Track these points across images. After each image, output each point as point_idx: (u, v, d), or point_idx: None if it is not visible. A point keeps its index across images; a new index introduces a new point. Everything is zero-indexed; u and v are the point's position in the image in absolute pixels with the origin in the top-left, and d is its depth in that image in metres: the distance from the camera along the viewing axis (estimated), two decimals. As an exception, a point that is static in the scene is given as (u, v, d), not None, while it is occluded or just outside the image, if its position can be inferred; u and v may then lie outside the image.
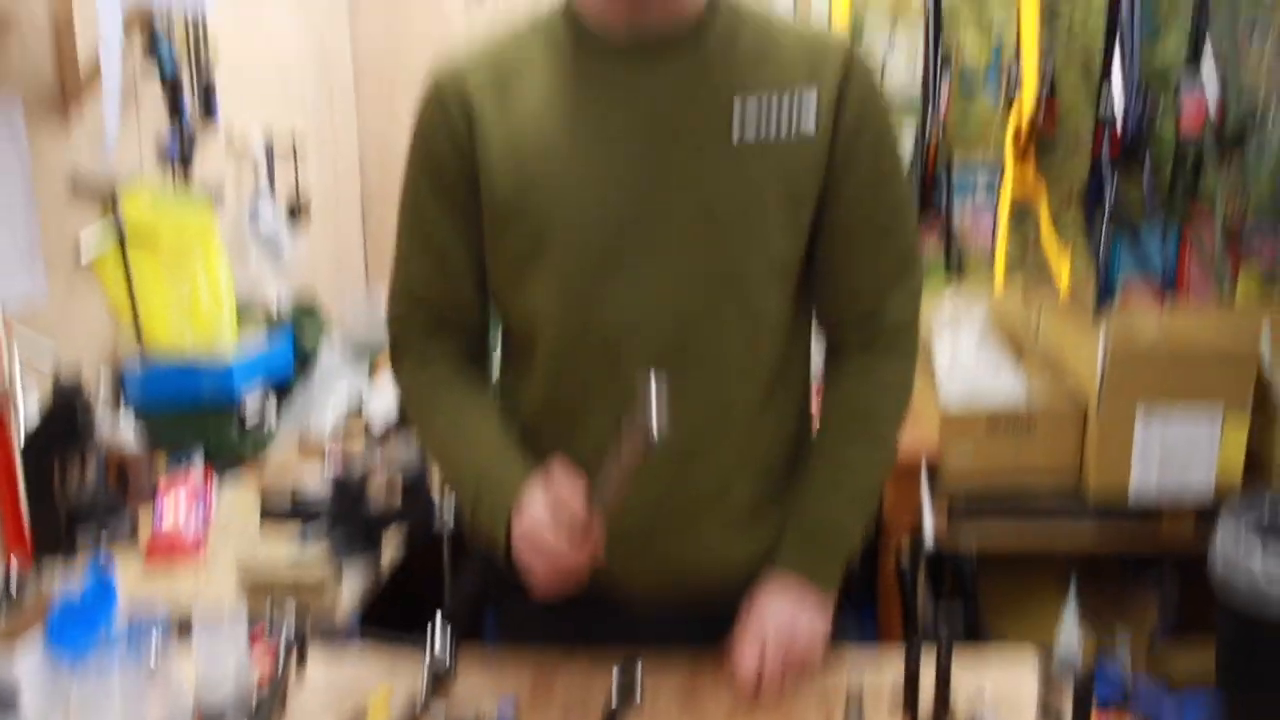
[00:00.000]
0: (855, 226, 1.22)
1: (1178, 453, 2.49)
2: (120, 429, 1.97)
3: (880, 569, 2.60)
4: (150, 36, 2.29)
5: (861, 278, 1.24)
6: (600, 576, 1.20)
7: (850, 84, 1.18)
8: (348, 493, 1.65)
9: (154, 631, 1.31)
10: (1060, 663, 1.06)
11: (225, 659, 1.14)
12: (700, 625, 1.25)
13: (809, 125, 1.16)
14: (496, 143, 1.18)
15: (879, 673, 1.24)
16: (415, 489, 1.55)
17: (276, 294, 2.68)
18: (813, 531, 1.24)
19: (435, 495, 1.57)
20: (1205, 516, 2.44)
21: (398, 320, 1.31)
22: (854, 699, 1.06)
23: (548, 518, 1.11)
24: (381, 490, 1.73)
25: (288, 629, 1.22)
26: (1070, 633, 1.06)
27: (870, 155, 1.20)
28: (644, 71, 1.16)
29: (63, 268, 2.08)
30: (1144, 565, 2.83)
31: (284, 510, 1.64)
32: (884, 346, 1.26)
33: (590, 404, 1.20)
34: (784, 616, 1.20)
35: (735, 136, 1.15)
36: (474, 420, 1.26)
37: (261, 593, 1.49)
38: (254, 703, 1.13)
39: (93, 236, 2.16)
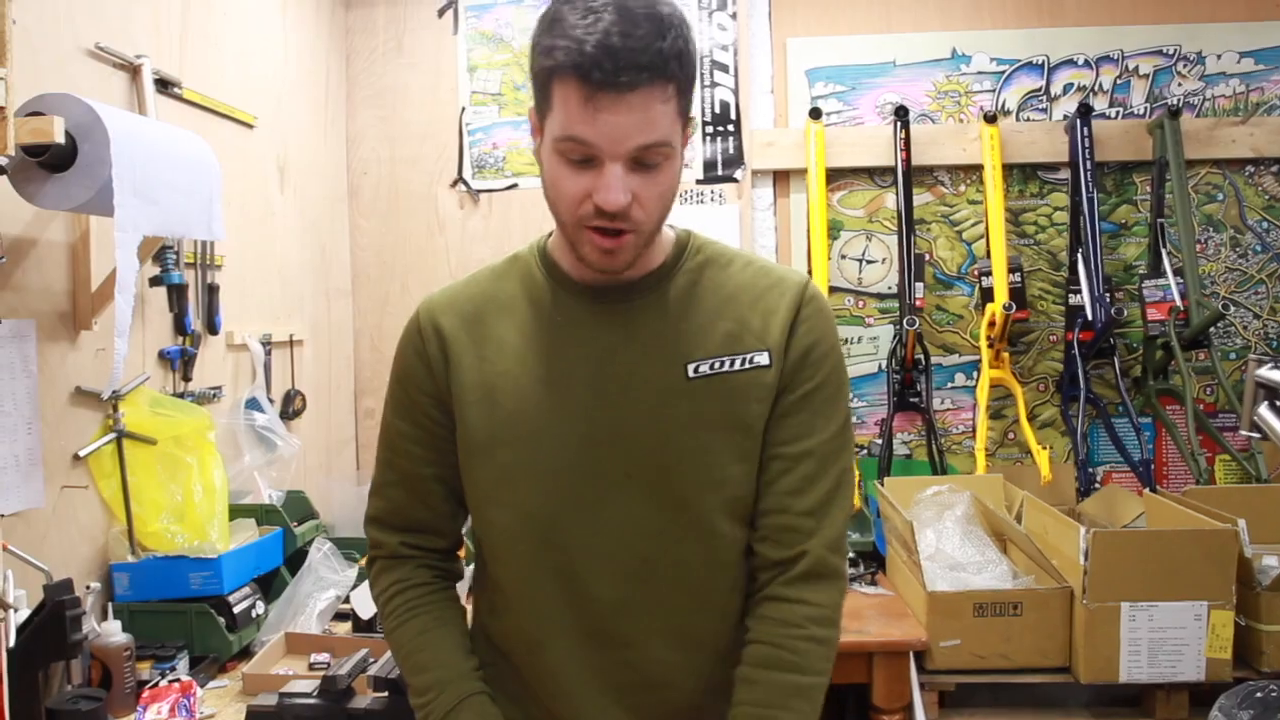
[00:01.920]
0: (782, 452, 1.25)
1: (1166, 641, 2.51)
2: (106, 628, 1.97)
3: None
4: (159, 250, 2.41)
5: (778, 517, 1.25)
6: None
7: (800, 323, 1.26)
8: (334, 690, 1.64)
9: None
10: None
11: None
12: None
13: (763, 360, 1.25)
14: (470, 383, 1.28)
15: None
16: (401, 692, 1.55)
17: (268, 491, 2.72)
18: None
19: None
20: (1198, 701, 2.44)
21: (376, 542, 1.39)
22: None
23: None
24: (369, 696, 1.73)
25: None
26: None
27: (807, 384, 1.26)
28: (609, 313, 1.26)
29: (59, 471, 2.12)
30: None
31: (269, 709, 1.63)
32: (800, 585, 1.25)
33: (554, 628, 1.25)
34: None
35: (691, 372, 1.23)
36: (437, 638, 1.31)
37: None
38: None
39: (91, 440, 2.22)
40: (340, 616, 2.48)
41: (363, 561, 2.61)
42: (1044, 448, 3.24)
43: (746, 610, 1.27)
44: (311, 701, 1.64)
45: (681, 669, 1.25)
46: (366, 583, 2.43)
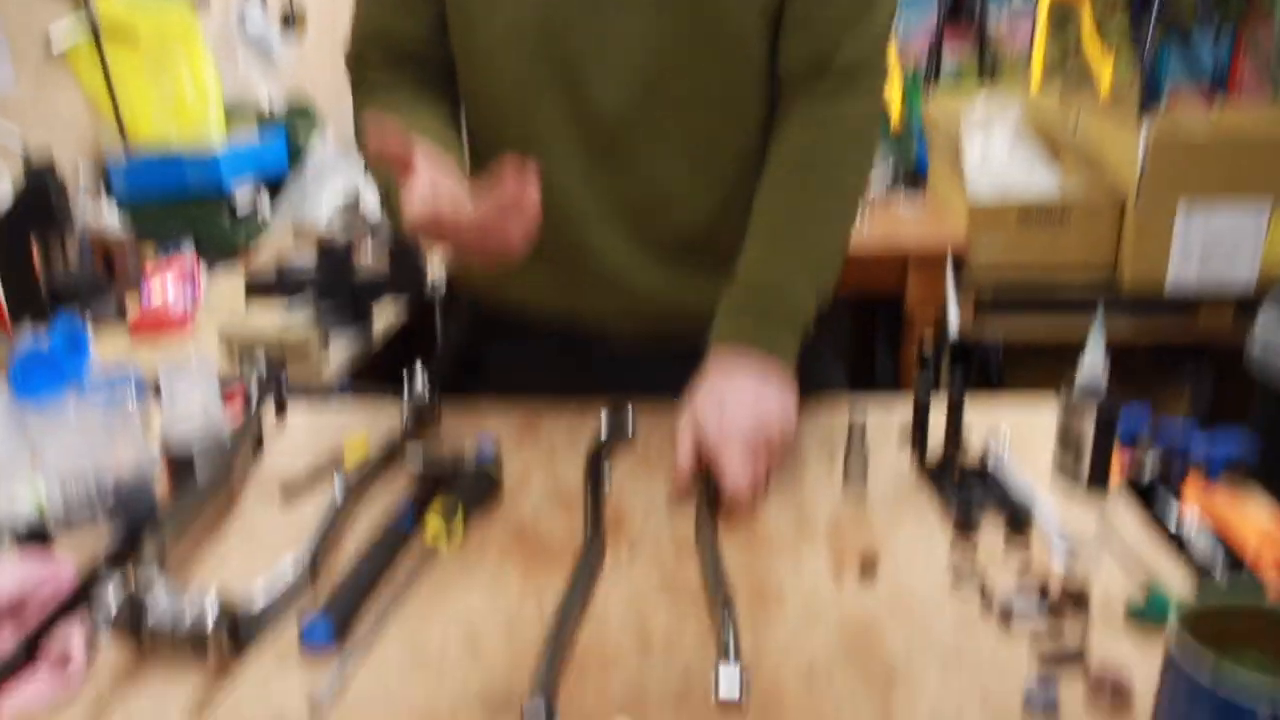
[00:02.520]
0: None
1: (1220, 245, 2.37)
2: (104, 217, 1.89)
3: (902, 361, 2.53)
4: None
5: (813, 10, 1.08)
6: (583, 318, 1.17)
7: None
8: (333, 259, 1.56)
9: (128, 384, 1.25)
10: (1082, 389, 0.97)
11: (191, 398, 1.07)
12: (690, 373, 1.18)
13: None
14: None
15: (887, 413, 1.16)
16: (404, 256, 1.46)
17: (268, 95, 2.56)
18: (755, 297, 1.07)
19: (425, 261, 1.48)
20: (1245, 309, 2.34)
21: (356, 57, 1.20)
22: (857, 432, 0.98)
23: (427, 196, 0.91)
24: (369, 259, 1.64)
25: (264, 374, 1.15)
26: (1095, 357, 0.96)
27: None
28: None
29: (32, 59, 1.96)
30: (1176, 361, 2.74)
31: (268, 282, 1.56)
32: (834, 89, 1.09)
33: (554, 147, 1.10)
34: (745, 400, 1.02)
35: None
36: (415, 114, 1.11)
37: (244, 356, 1.42)
38: (224, 442, 1.07)
39: (64, 29, 2.04)
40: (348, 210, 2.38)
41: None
42: (1108, 60, 2.97)
43: (771, 125, 1.13)
44: (310, 272, 1.56)
45: (694, 188, 1.12)
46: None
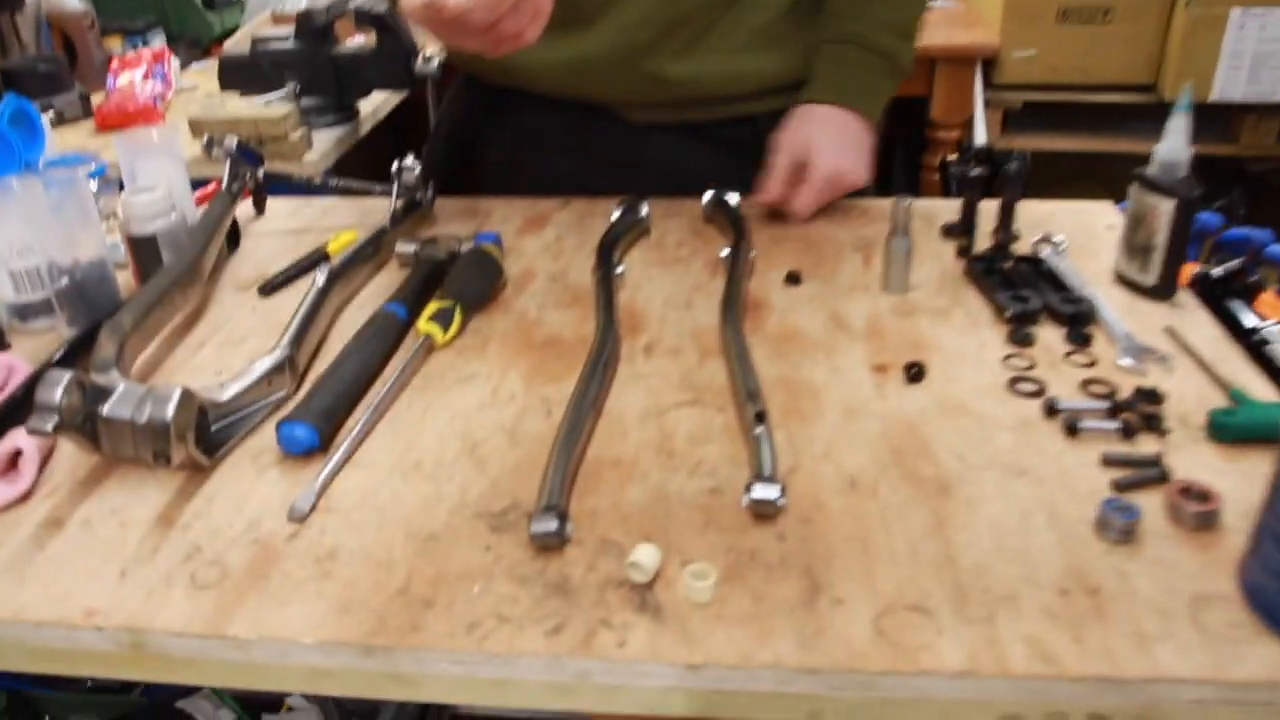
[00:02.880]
0: None
1: (1274, 55, 2.20)
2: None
3: (921, 172, 2.39)
4: None
5: None
6: (594, 96, 1.05)
7: None
8: (312, 30, 1.40)
9: (87, 164, 1.13)
10: (1160, 177, 0.85)
11: (155, 176, 0.96)
12: (711, 151, 1.06)
13: None
14: None
15: (923, 220, 1.05)
16: (390, 30, 1.31)
17: None
18: (849, 49, 1.04)
19: (413, 38, 1.33)
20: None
21: None
22: (902, 216, 0.86)
23: None
24: (355, 40, 1.49)
25: (238, 156, 1.02)
26: (1177, 141, 0.84)
27: None
28: None
29: None
30: (1213, 179, 2.61)
31: (243, 62, 1.41)
32: None
33: None
34: (827, 144, 1.01)
35: None
36: None
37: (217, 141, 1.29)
38: (193, 227, 0.96)
39: None
40: None
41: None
42: None
43: None
44: (288, 46, 1.41)
45: None
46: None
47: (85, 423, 0.65)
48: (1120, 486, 0.65)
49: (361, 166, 1.54)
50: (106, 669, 0.56)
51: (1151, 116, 2.32)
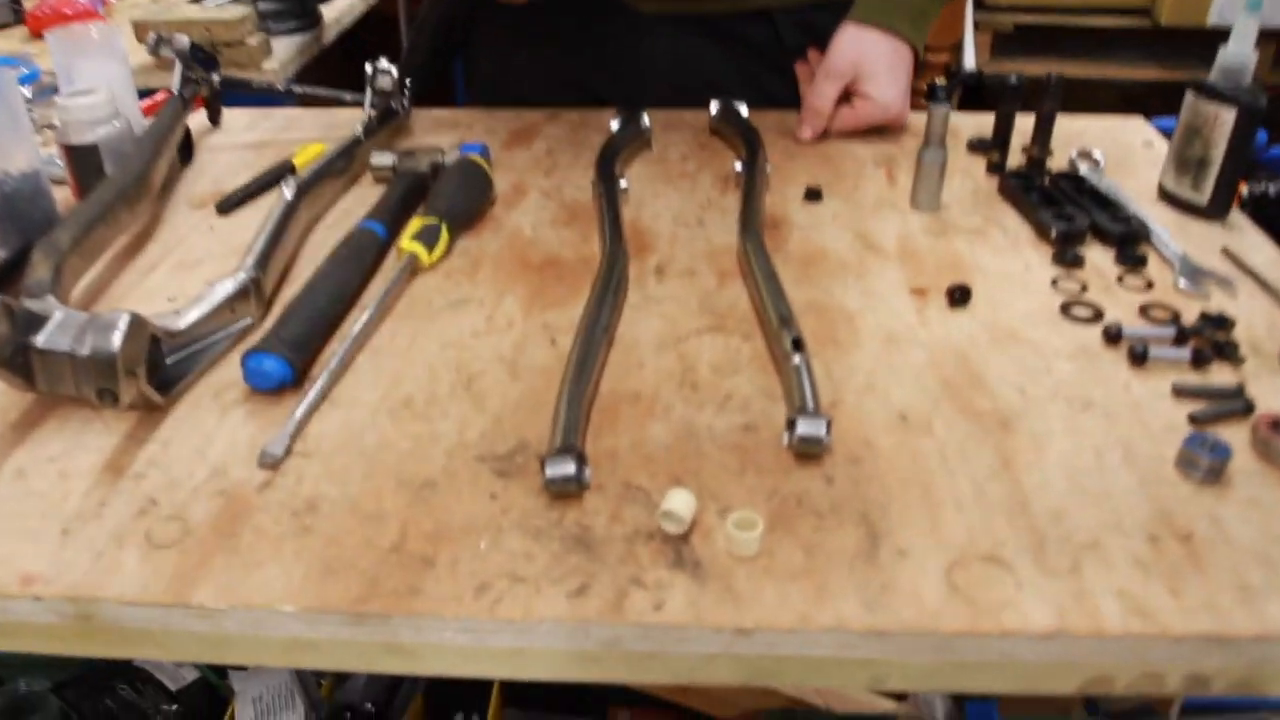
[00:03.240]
0: None
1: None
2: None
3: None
4: None
5: None
6: None
7: None
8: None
9: (16, 68, 1.02)
10: (1220, 84, 0.78)
11: (94, 77, 0.85)
12: (724, 51, 0.96)
13: None
14: None
15: (952, 125, 0.96)
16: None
17: None
18: None
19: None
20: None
21: None
22: (937, 124, 0.78)
23: None
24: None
25: (189, 58, 0.91)
26: (1242, 45, 0.76)
27: None
28: None
29: None
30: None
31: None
32: None
33: None
34: (880, 73, 0.94)
35: None
36: None
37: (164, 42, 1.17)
38: (139, 136, 0.85)
39: None
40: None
41: None
42: None
43: None
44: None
45: None
46: None
47: (16, 356, 0.55)
48: (1199, 420, 0.58)
49: (326, 82, 1.43)
50: (49, 644, 0.48)
51: (1144, 41, 2.26)
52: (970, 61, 2.20)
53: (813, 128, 0.94)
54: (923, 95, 2.37)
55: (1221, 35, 2.28)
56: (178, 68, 0.88)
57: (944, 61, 2.28)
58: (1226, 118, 0.77)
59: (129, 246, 0.78)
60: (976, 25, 2.22)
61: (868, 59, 0.92)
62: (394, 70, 0.90)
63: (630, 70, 0.97)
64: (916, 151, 0.81)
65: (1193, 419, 0.58)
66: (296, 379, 0.60)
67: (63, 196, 0.84)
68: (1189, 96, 0.80)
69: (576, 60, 0.98)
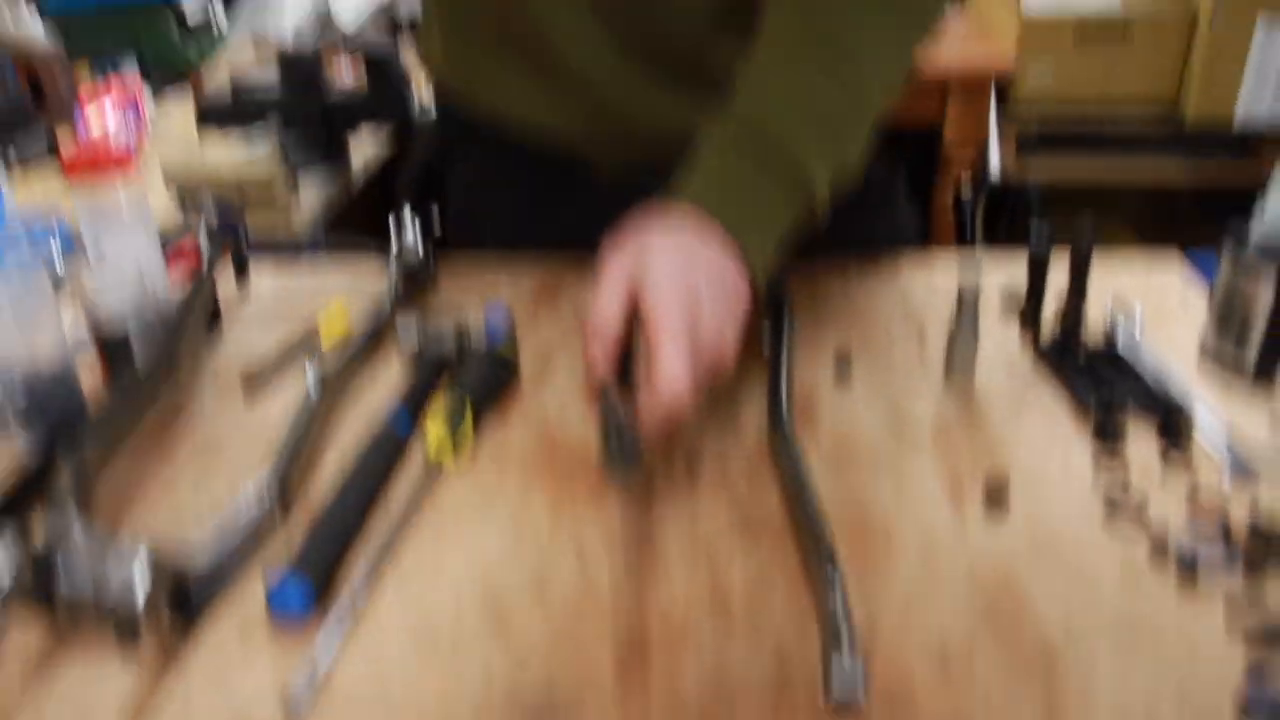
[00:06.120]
0: None
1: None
2: (28, 27, 1.60)
3: (934, 204, 2.30)
4: None
5: None
6: (564, 138, 0.92)
7: None
8: (300, 75, 1.30)
9: (50, 240, 1.03)
10: (1260, 247, 0.76)
11: (124, 257, 0.85)
12: None
13: None
14: None
15: (983, 276, 0.95)
16: (383, 69, 1.21)
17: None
18: (742, 132, 0.73)
19: (411, 80, 1.23)
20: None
21: None
22: (969, 304, 0.76)
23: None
24: (344, 77, 1.38)
25: (218, 223, 0.92)
26: None
27: None
28: None
29: None
30: (1232, 210, 2.53)
31: (224, 106, 1.30)
32: None
33: None
34: (696, 276, 0.66)
35: None
36: None
37: (193, 202, 1.19)
38: (168, 317, 0.85)
39: None
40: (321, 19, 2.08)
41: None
42: None
43: None
44: (272, 91, 1.30)
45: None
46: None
47: (38, 590, 0.55)
48: (1256, 666, 0.55)
49: (353, 211, 1.44)
50: None
51: (1171, 143, 2.25)
52: (995, 162, 2.20)
53: (593, 372, 0.67)
54: (950, 208, 2.36)
55: (1248, 138, 2.26)
56: (205, 237, 0.89)
57: (970, 160, 2.28)
58: (1268, 282, 0.76)
59: (155, 428, 0.77)
60: (1001, 128, 2.22)
61: (656, 256, 0.66)
62: (416, 224, 0.91)
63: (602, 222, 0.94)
64: (948, 319, 0.79)
65: (1251, 664, 0.55)
66: (319, 605, 0.59)
67: (88, 365, 0.84)
68: (1227, 256, 0.79)
69: (546, 209, 0.97)
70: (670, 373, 0.61)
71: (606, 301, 0.65)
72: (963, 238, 2.20)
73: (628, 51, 0.88)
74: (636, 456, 0.62)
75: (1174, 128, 2.17)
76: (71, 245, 1.00)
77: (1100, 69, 2.16)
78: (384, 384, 0.82)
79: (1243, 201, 2.42)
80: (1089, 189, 2.26)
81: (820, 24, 0.74)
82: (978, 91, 2.17)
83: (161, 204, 1.29)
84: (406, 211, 0.92)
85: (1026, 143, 2.24)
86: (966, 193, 2.13)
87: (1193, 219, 2.63)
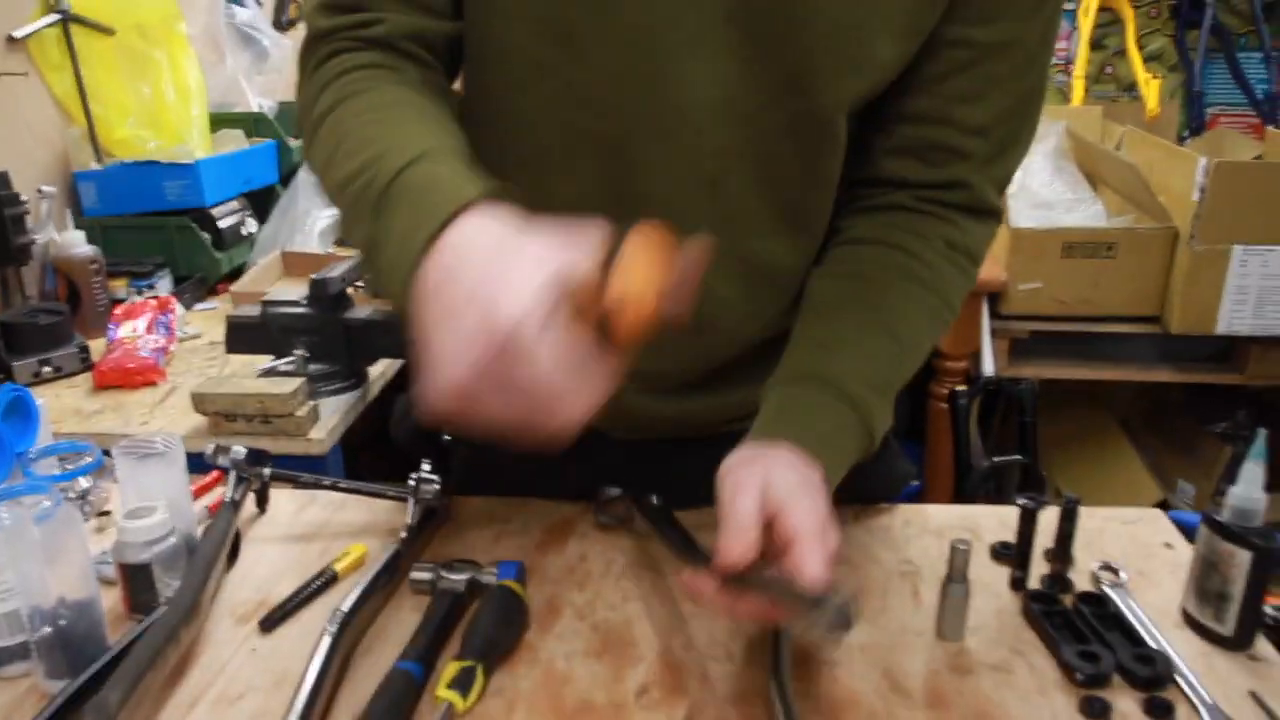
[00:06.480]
0: (967, 36, 0.80)
1: (1277, 289, 2.22)
2: (69, 239, 1.70)
3: (930, 403, 2.37)
4: None
5: (949, 112, 0.83)
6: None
7: None
8: (325, 294, 1.37)
9: (82, 472, 1.08)
10: (1236, 514, 0.81)
11: (153, 493, 0.90)
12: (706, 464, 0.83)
13: None
14: None
15: (972, 521, 0.99)
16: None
17: (257, 100, 2.37)
18: (811, 390, 0.81)
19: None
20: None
21: (319, 33, 0.81)
22: (959, 567, 0.80)
23: (535, 281, 0.57)
24: (365, 300, 1.46)
25: (244, 464, 0.97)
26: (1252, 483, 0.80)
27: None
28: None
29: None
30: (1215, 411, 2.60)
31: (253, 322, 1.38)
32: (961, 206, 0.86)
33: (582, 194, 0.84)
34: (796, 488, 0.73)
35: None
36: (408, 106, 0.75)
37: (222, 423, 1.24)
38: (194, 553, 0.89)
39: (26, 13, 1.84)
40: (345, 242, 2.19)
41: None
42: (1152, 76, 2.81)
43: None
44: (300, 310, 1.38)
45: (741, 308, 0.90)
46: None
47: None
48: None
49: (368, 424, 1.49)
50: None
51: (1158, 344, 2.33)
52: (989, 367, 2.27)
53: (728, 555, 0.70)
54: (945, 402, 2.41)
55: (1228, 340, 2.33)
56: (232, 478, 0.93)
57: (963, 368, 2.37)
58: (1242, 559, 0.80)
59: (172, 672, 0.80)
60: (994, 332, 2.31)
61: (777, 474, 0.73)
62: (437, 481, 0.95)
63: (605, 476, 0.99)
64: (941, 579, 0.83)
65: None
66: None
67: (111, 598, 0.87)
68: (1203, 529, 0.83)
69: (566, 467, 0.90)
70: (819, 573, 0.68)
71: (745, 508, 0.71)
72: (957, 433, 2.26)
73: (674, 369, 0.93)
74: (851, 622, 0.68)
75: (1156, 337, 2.27)
76: (100, 464, 1.04)
77: (1087, 282, 2.26)
78: (399, 624, 0.85)
79: (1228, 397, 2.50)
80: (1079, 385, 2.33)
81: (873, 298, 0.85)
82: (971, 302, 2.26)
83: (188, 423, 1.34)
84: (426, 465, 0.97)
85: (1018, 346, 2.32)
86: (962, 396, 2.20)
87: (1179, 412, 2.70)
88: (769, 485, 0.72)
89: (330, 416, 1.37)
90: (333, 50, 0.80)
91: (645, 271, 0.57)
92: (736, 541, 0.69)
